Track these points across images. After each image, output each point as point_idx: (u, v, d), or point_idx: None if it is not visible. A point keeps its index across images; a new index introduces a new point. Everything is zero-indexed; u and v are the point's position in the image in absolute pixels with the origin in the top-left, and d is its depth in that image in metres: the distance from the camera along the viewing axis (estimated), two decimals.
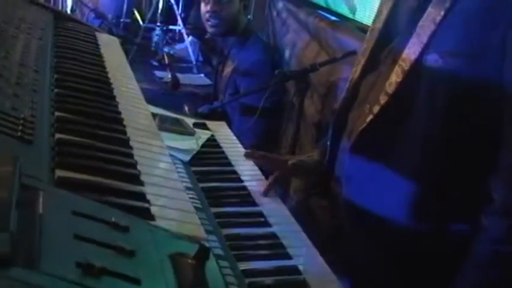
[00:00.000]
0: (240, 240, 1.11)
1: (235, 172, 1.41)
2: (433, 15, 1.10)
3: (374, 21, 1.33)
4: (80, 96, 1.22)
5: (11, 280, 0.54)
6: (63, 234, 0.66)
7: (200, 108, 2.31)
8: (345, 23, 2.63)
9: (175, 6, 4.41)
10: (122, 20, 4.65)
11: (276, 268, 1.04)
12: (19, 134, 0.89)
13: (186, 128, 1.61)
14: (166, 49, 4.19)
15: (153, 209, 0.91)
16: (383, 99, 1.16)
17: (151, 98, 1.56)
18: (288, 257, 1.09)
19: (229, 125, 1.83)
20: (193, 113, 2.16)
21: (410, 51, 1.12)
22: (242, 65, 2.75)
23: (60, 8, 4.02)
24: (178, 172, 1.22)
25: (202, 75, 3.89)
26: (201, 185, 1.30)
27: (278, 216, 1.24)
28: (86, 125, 1.09)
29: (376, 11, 1.34)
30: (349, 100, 1.32)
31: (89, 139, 1.04)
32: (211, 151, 1.53)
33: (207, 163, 1.44)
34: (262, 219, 1.21)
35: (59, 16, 1.86)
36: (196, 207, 1.04)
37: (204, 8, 2.81)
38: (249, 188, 1.34)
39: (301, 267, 1.05)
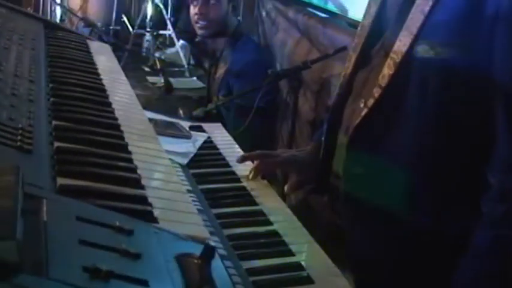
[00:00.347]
0: (242, 240, 1.11)
1: (233, 173, 1.42)
2: (421, 6, 1.11)
3: (364, 17, 1.34)
4: (76, 104, 1.23)
5: (20, 287, 0.55)
6: (68, 240, 0.67)
7: (195, 112, 2.32)
8: (334, 19, 2.64)
9: (164, 11, 4.42)
10: (111, 27, 4.64)
11: (279, 265, 1.04)
12: (18, 144, 0.89)
13: (183, 132, 1.62)
14: (157, 54, 4.19)
15: (156, 212, 0.91)
16: (377, 92, 1.17)
17: (145, 104, 1.57)
18: (291, 253, 1.09)
19: (225, 126, 1.84)
20: (189, 116, 2.17)
21: (401, 43, 1.13)
22: (235, 66, 2.76)
23: (49, 17, 4.01)
24: (178, 175, 1.22)
25: (194, 78, 3.89)
26: (201, 187, 1.30)
27: (279, 214, 1.25)
28: (83, 132, 1.10)
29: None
30: (343, 96, 1.33)
31: (88, 146, 1.04)
32: (208, 153, 1.54)
33: (205, 165, 1.44)
34: (263, 218, 1.22)
35: (49, 26, 1.87)
36: (197, 209, 1.05)
37: (192, 10, 2.83)
38: (248, 188, 1.35)
39: (304, 263, 1.06)
